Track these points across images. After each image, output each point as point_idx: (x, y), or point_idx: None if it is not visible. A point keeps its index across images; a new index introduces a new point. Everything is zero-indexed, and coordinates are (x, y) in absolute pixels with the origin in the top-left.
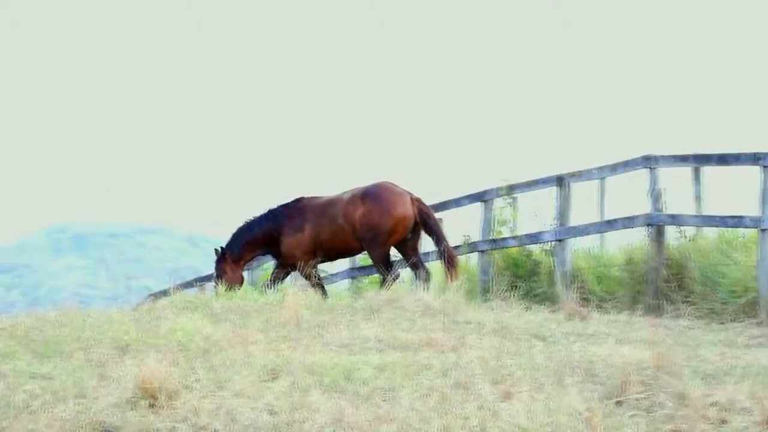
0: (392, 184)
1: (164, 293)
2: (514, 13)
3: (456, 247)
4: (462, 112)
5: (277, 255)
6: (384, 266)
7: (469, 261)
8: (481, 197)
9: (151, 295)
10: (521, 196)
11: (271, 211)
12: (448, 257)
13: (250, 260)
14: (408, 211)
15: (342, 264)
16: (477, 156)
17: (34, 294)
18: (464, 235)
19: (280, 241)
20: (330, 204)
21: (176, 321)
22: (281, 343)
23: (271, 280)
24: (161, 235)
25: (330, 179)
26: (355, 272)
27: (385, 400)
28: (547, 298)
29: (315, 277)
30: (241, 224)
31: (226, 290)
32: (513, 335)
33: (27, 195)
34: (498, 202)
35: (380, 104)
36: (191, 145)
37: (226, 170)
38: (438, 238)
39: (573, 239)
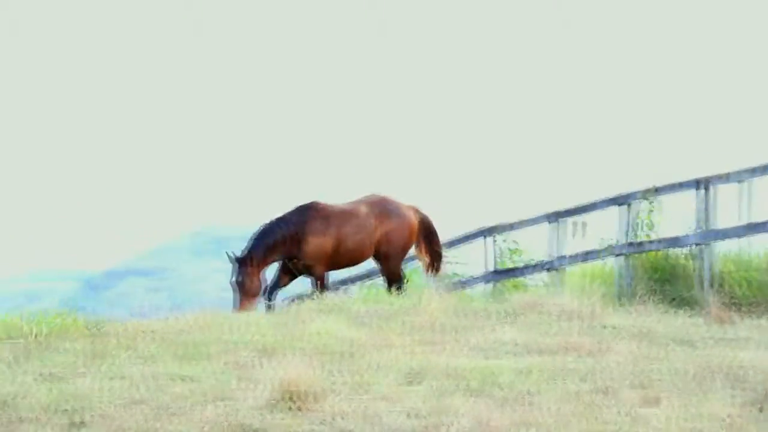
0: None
1: (305, 296)
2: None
3: (592, 252)
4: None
5: (293, 260)
6: (400, 277)
7: (606, 265)
8: (621, 200)
9: (292, 298)
10: (662, 199)
11: (291, 213)
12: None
13: (268, 266)
14: (416, 224)
15: (480, 267)
16: (614, 160)
17: (177, 297)
18: (601, 239)
19: (302, 244)
20: (351, 214)
21: (317, 324)
22: (421, 346)
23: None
24: None
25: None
26: (493, 276)
27: (527, 405)
28: (687, 303)
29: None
30: (260, 227)
31: (243, 302)
32: (653, 339)
33: (169, 199)
34: (639, 205)
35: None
36: (327, 146)
37: (361, 171)
38: (437, 248)
39: (717, 242)
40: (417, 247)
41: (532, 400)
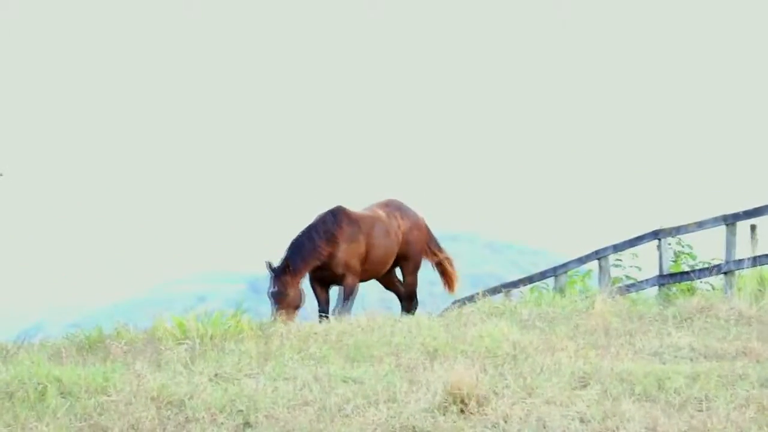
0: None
1: (470, 299)
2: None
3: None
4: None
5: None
6: (415, 287)
7: None
8: None
9: (456, 301)
10: None
11: (319, 220)
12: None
13: (305, 275)
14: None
15: (651, 270)
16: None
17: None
18: None
19: (335, 251)
20: (375, 218)
21: (483, 327)
22: (590, 350)
23: (345, 300)
24: (463, 242)
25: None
26: (662, 279)
27: (700, 411)
28: None
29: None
30: (297, 234)
31: (282, 315)
32: None
33: (332, 200)
34: None
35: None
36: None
37: (528, 175)
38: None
39: None
40: (426, 254)
41: (705, 406)
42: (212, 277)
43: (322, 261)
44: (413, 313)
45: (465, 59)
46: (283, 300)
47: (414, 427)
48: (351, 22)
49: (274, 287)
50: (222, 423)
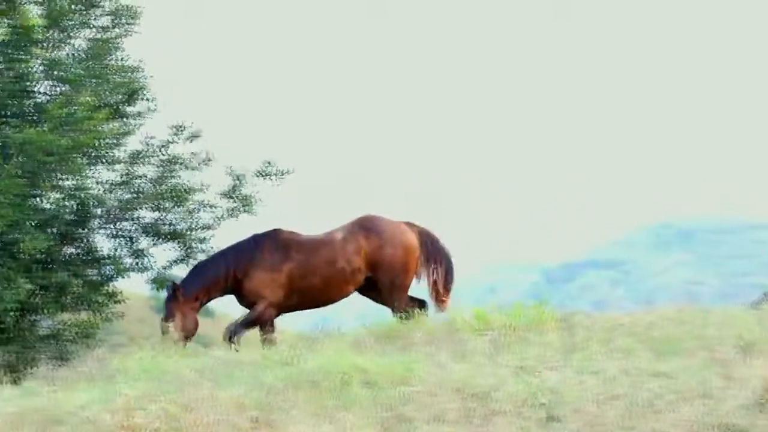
0: (378, 216)
1: None
2: None
3: None
4: None
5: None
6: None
7: None
8: None
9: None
10: None
11: (241, 243)
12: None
13: (204, 303)
14: (414, 241)
15: None
16: None
17: (639, 290)
18: None
19: (244, 280)
20: (320, 245)
21: None
22: None
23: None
24: None
25: None
26: None
27: None
28: None
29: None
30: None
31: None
32: None
33: (634, 191)
34: None
35: None
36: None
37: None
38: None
39: None
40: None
41: None
42: (503, 268)
43: (230, 290)
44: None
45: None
46: (170, 324)
47: (730, 425)
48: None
49: (165, 313)
50: (527, 416)
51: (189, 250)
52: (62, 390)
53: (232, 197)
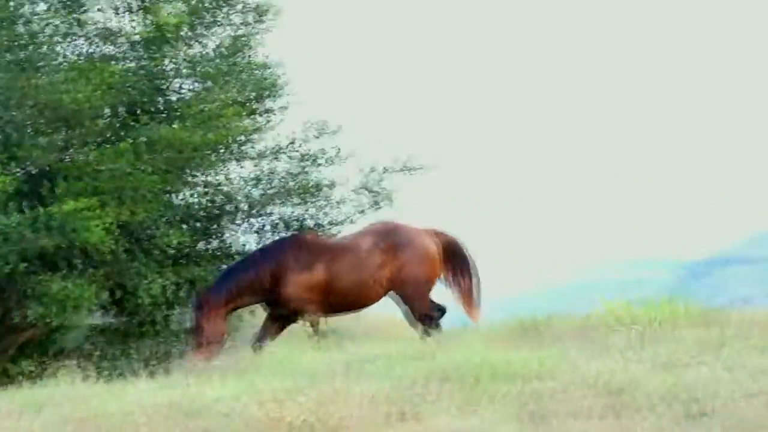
0: (396, 222)
1: None
2: None
3: None
4: None
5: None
6: (430, 317)
7: None
8: None
9: None
10: None
11: (268, 247)
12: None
13: (233, 309)
14: (436, 251)
15: None
16: None
17: None
18: None
19: (280, 285)
20: (346, 248)
21: None
22: None
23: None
24: None
25: None
26: None
27: None
28: None
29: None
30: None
31: (198, 353)
32: None
33: None
34: None
35: None
36: None
37: None
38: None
39: None
40: (444, 278)
41: None
42: (642, 263)
43: (266, 297)
44: (431, 334)
45: None
46: (198, 335)
47: None
48: None
49: (193, 320)
50: (669, 412)
51: None
52: (197, 384)
53: (369, 192)
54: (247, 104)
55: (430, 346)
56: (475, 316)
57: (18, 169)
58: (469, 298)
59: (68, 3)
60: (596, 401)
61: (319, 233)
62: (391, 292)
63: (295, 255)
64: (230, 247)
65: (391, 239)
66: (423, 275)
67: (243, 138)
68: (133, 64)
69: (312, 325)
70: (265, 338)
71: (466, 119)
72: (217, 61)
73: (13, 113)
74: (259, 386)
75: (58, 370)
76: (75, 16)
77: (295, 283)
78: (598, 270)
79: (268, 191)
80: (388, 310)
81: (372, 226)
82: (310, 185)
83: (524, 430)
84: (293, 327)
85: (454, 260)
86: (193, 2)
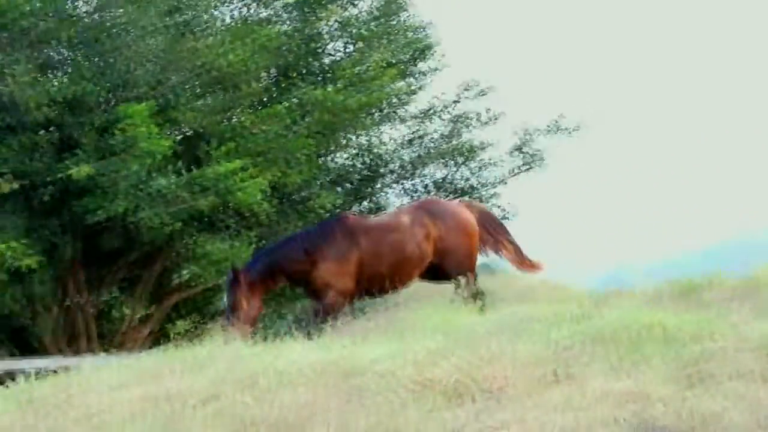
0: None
1: None
2: None
3: None
4: None
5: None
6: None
7: None
8: None
9: None
10: None
11: (311, 229)
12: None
13: (269, 289)
14: (474, 221)
15: None
16: None
17: None
18: None
19: (313, 268)
20: (389, 230)
21: None
22: None
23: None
24: None
25: None
26: None
27: None
28: None
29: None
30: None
31: (234, 329)
32: None
33: None
34: None
35: None
36: None
37: None
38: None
39: None
40: (485, 244)
41: None
42: None
43: (295, 278)
44: (480, 307)
45: None
46: (234, 311)
47: None
48: None
49: (226, 297)
50: None
51: None
52: (355, 344)
53: (521, 153)
54: (401, 66)
55: (587, 308)
56: (538, 266)
57: (175, 132)
58: (521, 255)
59: None
60: (758, 364)
61: (363, 214)
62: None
63: (334, 240)
64: (383, 208)
65: (432, 210)
66: (465, 245)
67: (396, 100)
68: (288, 27)
69: (467, 287)
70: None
71: (617, 79)
72: (372, 23)
73: (171, 77)
74: (414, 347)
75: (213, 330)
76: None
77: (330, 270)
78: (760, 229)
79: (421, 153)
80: (539, 273)
81: (413, 205)
82: (462, 147)
83: (682, 392)
84: (448, 289)
85: (490, 230)
86: None
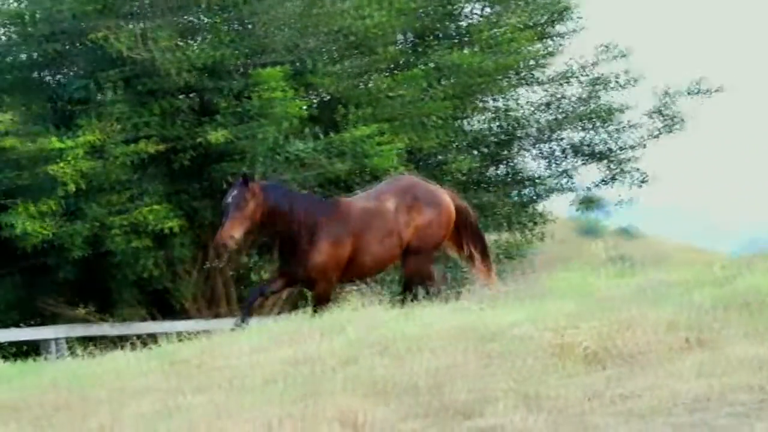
0: (422, 182)
1: None
2: None
3: None
4: None
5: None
6: (429, 276)
7: None
8: None
9: None
10: None
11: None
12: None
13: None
14: (453, 211)
15: None
16: None
17: None
18: None
19: (309, 252)
20: (376, 213)
21: None
22: None
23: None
24: None
25: None
26: None
27: None
28: None
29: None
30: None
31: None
32: None
33: None
34: None
35: None
36: None
37: None
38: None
39: None
40: (451, 239)
41: None
42: None
43: (289, 238)
44: (412, 300)
45: None
46: (238, 209)
47: None
48: None
49: (231, 196)
50: None
51: (615, 171)
52: (492, 308)
53: (660, 116)
54: (538, 28)
55: (727, 272)
56: (489, 278)
57: (312, 96)
58: (479, 261)
59: None
60: None
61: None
62: None
63: (329, 223)
64: (520, 172)
65: (416, 194)
66: (441, 235)
67: (533, 62)
68: None
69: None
70: (266, 290)
71: (759, 40)
72: None
73: (308, 41)
74: (552, 311)
75: (349, 293)
76: None
77: (325, 253)
78: None
79: (558, 116)
80: (676, 237)
81: (395, 185)
82: (600, 109)
83: None
84: (580, 253)
85: (466, 224)
86: None
